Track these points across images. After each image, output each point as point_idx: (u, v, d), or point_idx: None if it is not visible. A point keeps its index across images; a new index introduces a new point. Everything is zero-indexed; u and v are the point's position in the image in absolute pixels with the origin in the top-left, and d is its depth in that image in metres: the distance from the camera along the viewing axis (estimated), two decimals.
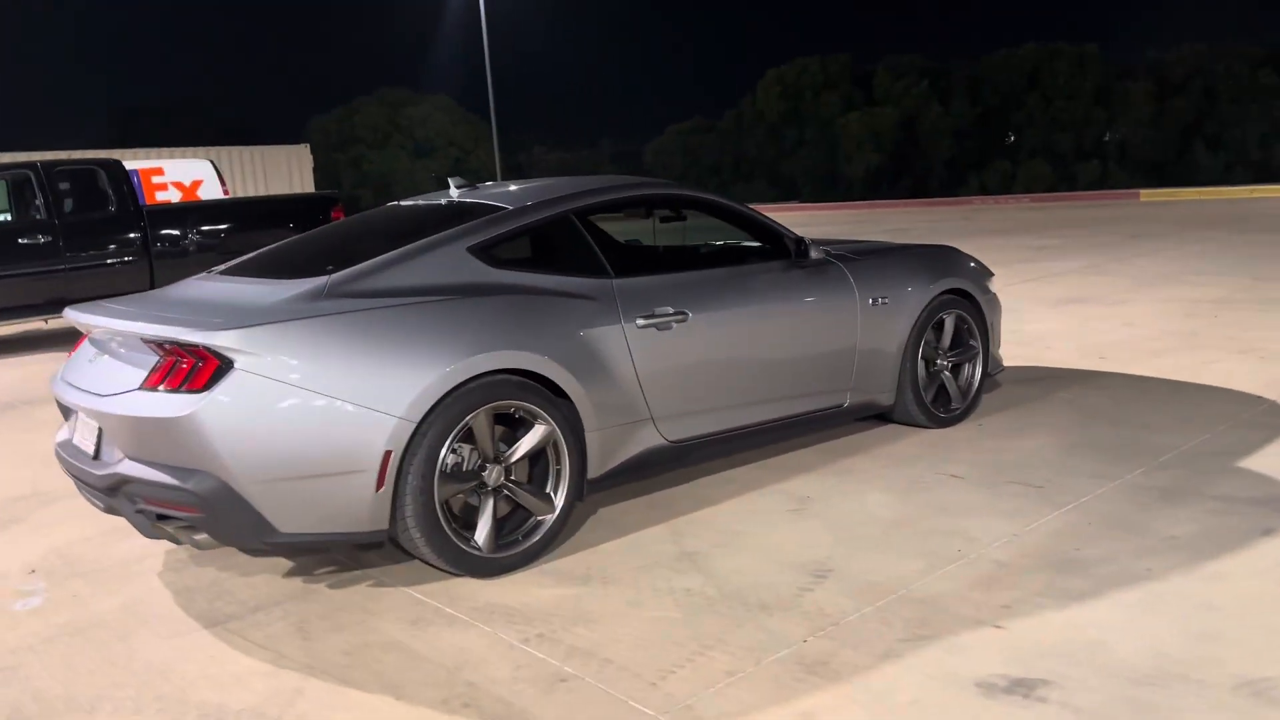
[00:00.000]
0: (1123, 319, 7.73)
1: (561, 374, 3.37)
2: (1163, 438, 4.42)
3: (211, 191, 16.59)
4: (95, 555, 3.74)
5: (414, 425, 3.04)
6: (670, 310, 3.71)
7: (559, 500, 3.41)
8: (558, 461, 3.41)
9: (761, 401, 4.07)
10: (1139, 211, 22.22)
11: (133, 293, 9.89)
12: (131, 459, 3.01)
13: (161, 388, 2.91)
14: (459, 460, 3.22)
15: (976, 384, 4.91)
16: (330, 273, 3.26)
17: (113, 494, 3.08)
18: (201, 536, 2.97)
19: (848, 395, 4.41)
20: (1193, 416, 4.75)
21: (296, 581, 3.35)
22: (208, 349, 2.87)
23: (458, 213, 3.73)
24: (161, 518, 3.01)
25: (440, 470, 3.11)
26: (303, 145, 27.12)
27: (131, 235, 9.96)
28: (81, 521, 4.14)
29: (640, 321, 3.63)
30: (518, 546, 3.32)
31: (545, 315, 3.42)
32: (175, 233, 10.26)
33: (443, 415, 3.10)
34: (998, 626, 2.75)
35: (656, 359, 3.67)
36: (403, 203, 4.35)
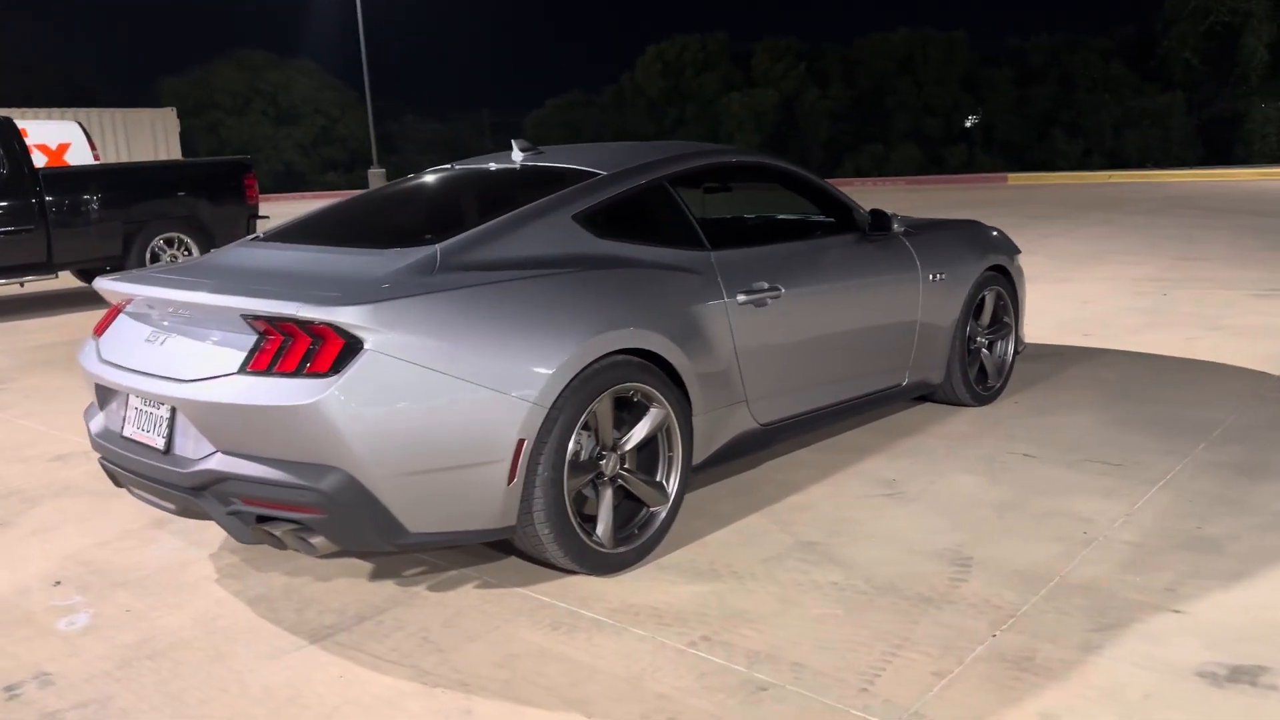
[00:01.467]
0: (1077, 298, 7.93)
1: (677, 354, 3.12)
2: (1199, 413, 4.49)
3: (81, 155, 15.28)
4: (125, 562, 3.27)
5: (546, 410, 2.75)
6: (766, 285, 3.51)
7: (671, 489, 3.17)
8: (670, 448, 3.16)
9: (839, 380, 3.92)
10: (1014, 194, 23.13)
11: (28, 265, 8.99)
12: (227, 453, 2.61)
13: (274, 371, 2.52)
14: (578, 448, 2.94)
15: (1010, 361, 4.89)
16: (433, 243, 2.91)
17: (197, 493, 2.67)
18: (318, 540, 2.60)
19: (906, 374, 4.31)
20: (1213, 392, 4.86)
21: (388, 585, 3.01)
22: (333, 326, 2.50)
23: (546, 178, 3.41)
24: (263, 519, 2.62)
25: (569, 460, 2.84)
26: (168, 109, 25.50)
27: (25, 201, 9.02)
28: (85, 524, 3.64)
29: (741, 297, 3.41)
30: (635, 540, 3.07)
31: (661, 290, 3.16)
32: (75, 199, 9.35)
33: (572, 399, 2.81)
34: (1177, 611, 2.68)
35: (753, 337, 3.46)
36: (459, 166, 3.97)
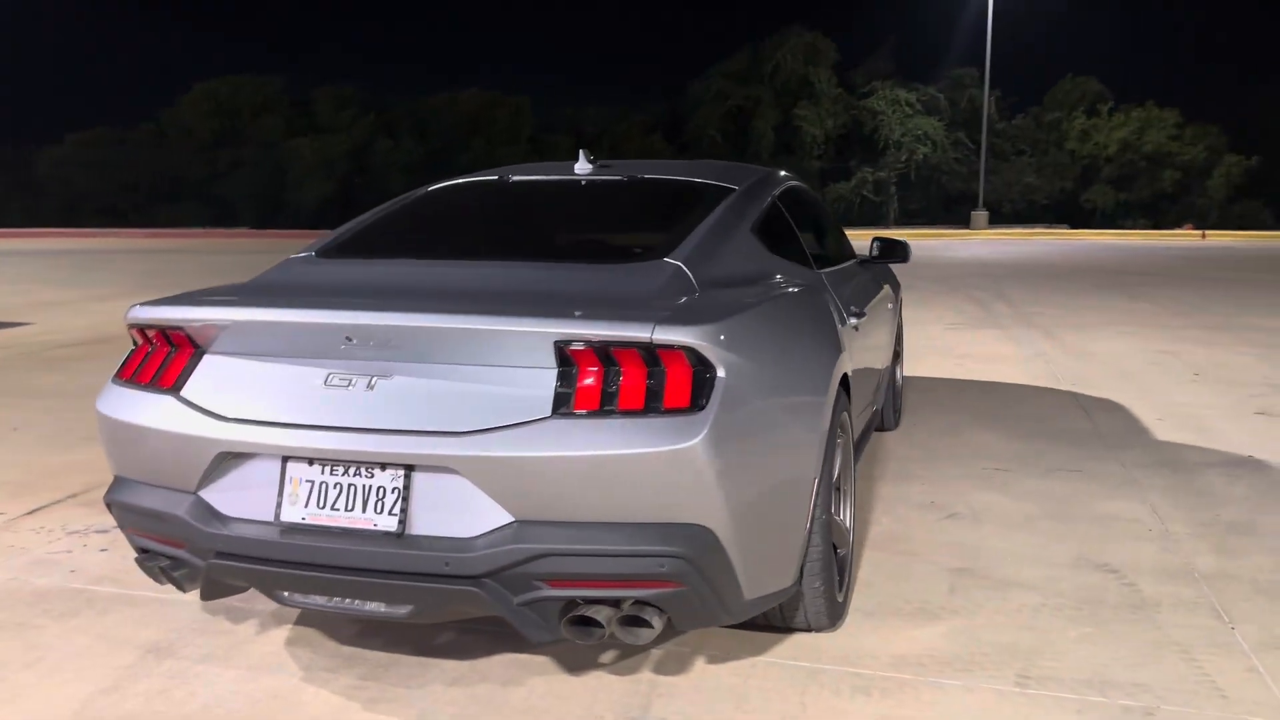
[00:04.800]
0: None
1: (851, 378, 2.90)
2: (1064, 424, 5.09)
3: None
4: (180, 713, 2.26)
5: (825, 441, 2.41)
6: (856, 308, 3.38)
7: (850, 526, 2.91)
8: (845, 480, 2.91)
9: (865, 412, 3.87)
10: None
11: None
12: (528, 522, 1.92)
13: (613, 410, 1.91)
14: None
15: (900, 386, 5.18)
16: (645, 257, 2.43)
17: (476, 583, 1.92)
18: (658, 623, 1.99)
19: (878, 400, 4.37)
20: (1044, 406, 5.53)
21: (604, 678, 2.39)
22: (686, 350, 1.96)
23: (680, 190, 3.03)
24: (570, 604, 1.96)
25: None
26: None
27: None
28: (36, 669, 2.47)
29: (853, 321, 3.26)
30: (844, 587, 2.77)
31: (832, 310, 2.92)
32: None
33: (833, 428, 2.49)
34: None
35: (852, 362, 3.32)
36: (522, 178, 3.32)
